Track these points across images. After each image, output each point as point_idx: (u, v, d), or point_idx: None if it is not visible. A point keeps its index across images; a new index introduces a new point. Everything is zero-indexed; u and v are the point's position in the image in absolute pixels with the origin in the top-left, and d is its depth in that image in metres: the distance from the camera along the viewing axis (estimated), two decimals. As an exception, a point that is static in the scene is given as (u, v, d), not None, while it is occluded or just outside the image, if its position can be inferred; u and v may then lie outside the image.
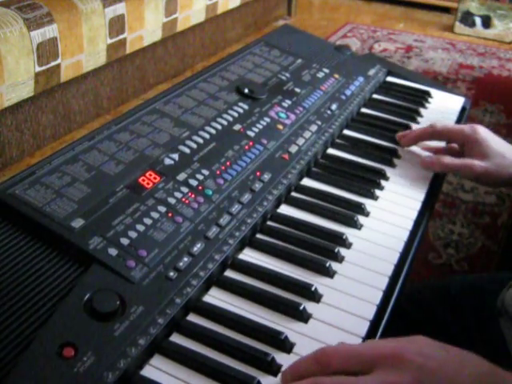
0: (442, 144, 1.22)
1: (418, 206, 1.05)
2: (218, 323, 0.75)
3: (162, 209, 0.83)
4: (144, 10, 1.28)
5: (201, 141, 0.99)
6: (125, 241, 0.77)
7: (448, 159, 1.12)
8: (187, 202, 0.86)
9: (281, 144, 1.06)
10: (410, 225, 0.99)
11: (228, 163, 0.96)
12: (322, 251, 0.89)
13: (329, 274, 0.85)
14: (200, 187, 0.89)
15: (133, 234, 0.78)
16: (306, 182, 1.05)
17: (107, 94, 1.29)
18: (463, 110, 1.44)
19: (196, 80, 1.16)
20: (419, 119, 1.34)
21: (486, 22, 3.00)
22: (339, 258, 0.89)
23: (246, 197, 0.92)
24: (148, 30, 1.30)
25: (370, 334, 0.78)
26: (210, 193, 0.89)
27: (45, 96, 1.16)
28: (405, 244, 0.95)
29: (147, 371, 0.68)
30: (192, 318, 0.75)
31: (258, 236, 0.91)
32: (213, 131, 1.02)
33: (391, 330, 0.81)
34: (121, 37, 1.24)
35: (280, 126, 1.10)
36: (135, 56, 1.33)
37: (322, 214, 0.98)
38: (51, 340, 0.64)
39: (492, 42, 3.09)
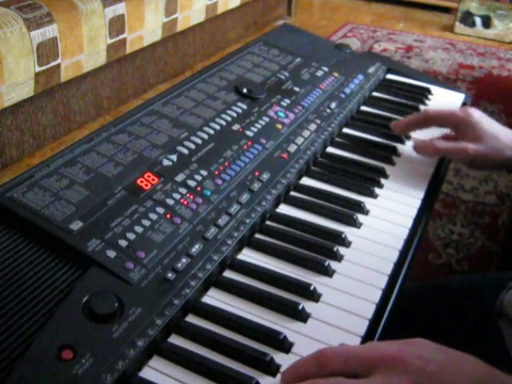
0: (437, 134, 1.21)
1: (417, 204, 1.05)
2: (217, 324, 0.75)
3: (161, 210, 0.83)
4: (144, 9, 1.28)
5: (199, 141, 0.99)
6: (123, 242, 0.77)
7: (441, 143, 1.12)
8: (186, 202, 0.86)
9: (280, 143, 1.06)
10: (409, 223, 0.99)
11: (226, 163, 0.96)
12: (321, 250, 0.89)
13: (328, 273, 0.85)
14: (198, 188, 0.90)
15: (131, 236, 0.78)
16: (305, 181, 1.05)
17: (107, 93, 1.29)
18: (464, 106, 1.44)
19: (195, 80, 1.16)
20: (419, 116, 1.34)
21: (486, 22, 2.99)
22: (338, 257, 0.89)
23: (245, 197, 0.92)
24: (148, 29, 1.30)
25: (370, 333, 0.78)
26: (209, 193, 0.89)
27: (45, 96, 1.16)
28: (404, 242, 0.95)
29: (146, 373, 0.68)
30: (190, 319, 0.75)
31: (257, 236, 0.91)
32: (211, 131, 1.02)
33: (390, 329, 0.81)
34: (121, 37, 1.24)
35: (279, 126, 1.10)
36: (135, 56, 1.33)
37: (322, 213, 0.98)
38: (50, 342, 0.64)
39: (492, 41, 3.08)
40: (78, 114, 1.24)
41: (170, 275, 0.76)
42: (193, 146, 0.97)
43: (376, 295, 0.83)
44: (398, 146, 1.20)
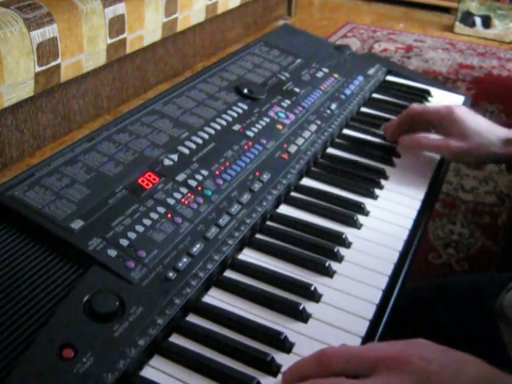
0: None
1: (417, 205, 1.05)
2: (218, 323, 0.75)
3: (162, 209, 0.83)
4: (144, 10, 1.28)
5: (200, 141, 0.99)
6: (124, 242, 0.77)
7: (425, 139, 1.13)
8: (186, 202, 0.86)
9: (280, 144, 1.06)
10: (409, 224, 0.99)
11: (227, 163, 0.96)
12: (321, 251, 0.89)
13: (328, 273, 0.85)
14: (199, 188, 0.90)
15: (132, 235, 0.78)
16: (306, 181, 1.05)
17: (107, 93, 1.29)
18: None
19: (195, 80, 1.16)
20: (419, 118, 1.34)
21: (486, 22, 3.00)
22: (339, 258, 0.89)
23: (246, 197, 0.92)
24: (148, 29, 1.30)
25: (370, 333, 0.78)
26: (210, 193, 0.89)
27: (45, 96, 1.16)
28: (405, 243, 0.95)
29: (147, 372, 0.68)
30: (191, 318, 0.75)
31: (258, 236, 0.91)
32: (212, 131, 1.02)
33: (391, 329, 0.81)
34: (121, 37, 1.24)
35: (279, 126, 1.10)
36: (135, 56, 1.33)
37: (322, 213, 0.98)
38: (51, 341, 0.64)
39: (492, 42, 3.09)
40: (77, 114, 1.24)
41: (170, 275, 0.76)
42: (194, 146, 0.97)
43: (376, 296, 0.83)
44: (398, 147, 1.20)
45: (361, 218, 0.98)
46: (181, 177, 0.90)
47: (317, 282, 0.83)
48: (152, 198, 0.85)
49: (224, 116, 1.07)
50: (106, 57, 1.23)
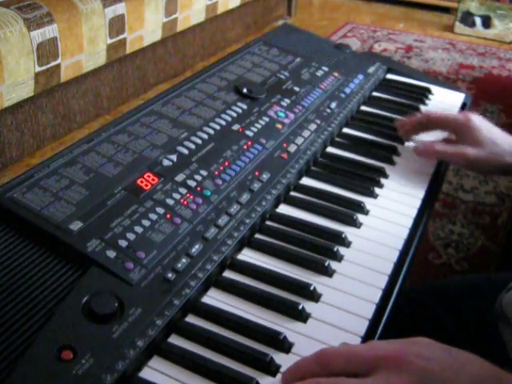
0: (439, 138, 1.22)
1: (417, 203, 1.04)
2: (217, 324, 0.75)
3: (161, 210, 0.83)
4: (144, 10, 1.28)
5: (199, 141, 0.99)
6: (123, 243, 0.77)
7: (440, 146, 1.13)
8: (186, 203, 0.86)
9: (280, 143, 1.06)
10: (409, 223, 0.99)
11: (226, 163, 0.96)
12: (321, 250, 0.89)
13: (328, 273, 0.85)
14: (198, 188, 0.90)
15: (131, 236, 0.78)
16: (305, 181, 1.05)
17: (107, 93, 1.29)
18: (464, 106, 1.44)
19: (194, 80, 1.15)
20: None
21: (486, 22, 3.00)
22: (338, 257, 0.89)
23: (245, 197, 0.92)
24: (148, 29, 1.30)
25: (370, 333, 0.78)
26: (209, 193, 0.89)
27: (45, 96, 1.16)
28: (404, 242, 0.95)
29: (146, 373, 0.68)
30: (190, 319, 0.75)
31: (257, 236, 0.91)
32: (211, 131, 1.02)
33: (390, 329, 0.81)
34: (121, 37, 1.24)
35: (279, 126, 1.10)
36: (135, 56, 1.33)
37: (322, 213, 0.98)
38: (50, 343, 0.64)
39: (492, 42, 3.09)
40: (77, 114, 1.24)
41: (170, 275, 0.76)
42: (193, 146, 0.97)
43: (376, 295, 0.83)
44: (398, 145, 1.20)
45: (361, 217, 0.98)
46: (180, 177, 0.90)
47: (316, 281, 0.83)
48: (151, 198, 0.85)
49: (223, 116, 1.07)
50: (106, 57, 1.23)
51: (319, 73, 1.32)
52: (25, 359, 0.62)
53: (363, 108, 1.34)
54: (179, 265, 0.77)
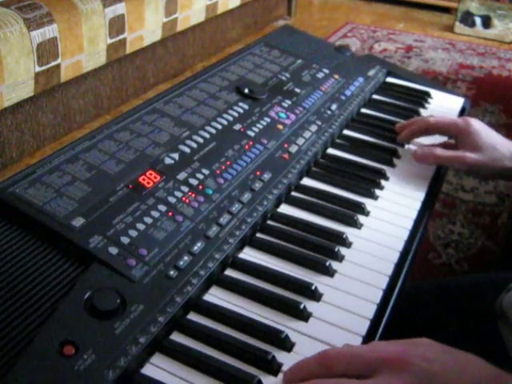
0: (438, 141, 1.22)
1: (417, 205, 1.05)
2: (219, 322, 0.75)
3: (163, 208, 0.83)
4: (144, 10, 1.28)
5: (201, 140, 0.99)
6: (125, 239, 0.77)
7: (440, 151, 1.13)
8: (187, 201, 0.86)
9: (281, 144, 1.06)
10: (410, 224, 0.99)
11: (228, 163, 0.96)
12: (322, 250, 0.89)
13: (329, 273, 0.85)
14: (200, 186, 0.89)
15: (133, 233, 0.78)
16: (306, 181, 1.05)
17: (107, 93, 1.29)
18: (463, 110, 1.44)
19: (196, 80, 1.16)
20: (419, 120, 1.34)
21: (486, 22, 3.01)
22: (339, 257, 0.89)
23: (246, 196, 0.92)
24: (148, 29, 1.30)
25: (371, 333, 0.78)
26: (211, 192, 0.89)
27: (45, 96, 1.16)
28: (405, 243, 0.95)
29: (148, 369, 0.68)
30: (192, 316, 0.75)
31: (258, 235, 0.91)
32: (213, 131, 1.02)
33: (391, 329, 0.81)
34: (121, 37, 1.24)
35: (280, 126, 1.10)
36: (135, 56, 1.33)
37: (322, 213, 0.98)
38: (52, 338, 0.64)
39: (492, 41, 3.09)
40: (78, 114, 1.24)
41: (171, 273, 0.75)
42: (195, 145, 0.97)
43: (377, 295, 0.83)
44: (398, 148, 1.20)
45: (361, 218, 0.98)
46: (182, 175, 0.90)
47: (317, 281, 0.83)
48: (153, 196, 0.85)
49: (225, 115, 1.07)
50: (106, 57, 1.22)
51: (320, 75, 1.32)
52: (27, 354, 0.62)
53: (363, 110, 1.34)
54: (181, 262, 0.77)
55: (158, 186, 0.87)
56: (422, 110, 1.38)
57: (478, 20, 3.00)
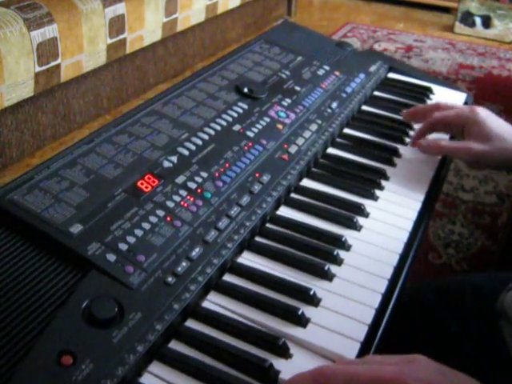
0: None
1: (418, 206, 1.04)
2: (216, 329, 0.75)
3: (161, 213, 0.83)
4: (144, 10, 1.27)
5: (200, 142, 0.99)
6: (123, 246, 0.77)
7: (445, 142, 1.13)
8: (186, 205, 0.86)
9: (280, 144, 1.05)
10: (409, 226, 0.99)
11: (227, 165, 0.96)
12: (321, 254, 0.88)
13: (328, 277, 0.85)
14: (199, 190, 0.89)
15: (131, 239, 0.78)
16: (306, 182, 1.05)
17: (107, 93, 1.29)
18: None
19: (195, 80, 1.15)
20: (420, 116, 1.34)
21: (486, 22, 3.00)
22: (338, 261, 0.88)
23: (245, 199, 0.91)
24: (148, 29, 1.30)
25: (369, 338, 0.77)
26: (209, 195, 0.89)
27: (45, 96, 1.16)
28: (405, 245, 0.94)
29: (146, 378, 0.68)
30: (190, 323, 0.75)
31: (257, 239, 0.91)
32: (212, 132, 1.02)
33: (391, 329, 0.81)
34: (121, 37, 1.24)
35: (280, 126, 1.09)
36: (135, 56, 1.33)
37: (322, 215, 0.97)
38: (49, 348, 0.64)
39: (492, 41, 3.09)
40: (78, 114, 1.24)
41: (170, 279, 0.75)
42: (193, 147, 0.97)
43: (375, 300, 0.83)
44: (399, 147, 1.20)
45: (361, 220, 0.97)
46: (180, 179, 0.90)
47: (316, 285, 0.83)
48: (151, 201, 0.84)
49: (224, 116, 1.07)
50: (106, 57, 1.22)
51: (320, 72, 1.32)
52: (24, 364, 0.62)
53: (364, 108, 1.34)
54: (179, 268, 0.77)
55: (156, 190, 0.86)
56: (423, 107, 1.37)
57: (477, 20, 2.99)
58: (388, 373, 0.63)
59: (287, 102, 1.17)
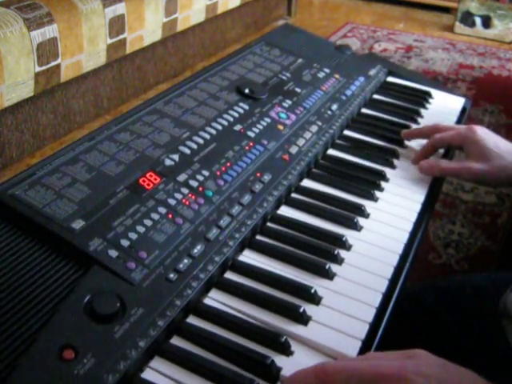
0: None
1: (417, 207, 1.04)
2: (218, 325, 0.75)
3: (163, 210, 0.83)
4: (144, 10, 1.27)
5: (201, 141, 0.99)
6: (125, 242, 0.77)
7: (445, 163, 1.12)
8: (187, 203, 0.86)
9: (281, 144, 1.06)
10: (409, 226, 0.99)
11: (228, 164, 0.96)
12: (321, 253, 0.89)
13: (328, 276, 0.85)
14: (200, 188, 0.89)
15: (133, 236, 0.78)
16: (306, 183, 1.05)
17: (107, 93, 1.29)
18: (463, 110, 1.44)
19: (196, 80, 1.15)
20: (419, 120, 1.34)
21: (486, 22, 3.01)
22: (339, 260, 0.88)
23: (246, 198, 0.92)
24: (148, 29, 1.30)
25: (370, 337, 0.78)
26: (211, 194, 0.89)
27: (45, 96, 1.15)
28: (405, 246, 0.95)
29: (147, 374, 0.68)
30: (192, 320, 0.75)
31: (258, 237, 0.91)
32: (213, 131, 1.02)
33: (391, 329, 0.81)
34: (121, 37, 1.24)
35: (280, 127, 1.09)
36: (135, 56, 1.32)
37: (322, 215, 0.97)
38: (51, 342, 0.64)
39: (492, 42, 3.10)
40: (78, 114, 1.23)
41: (171, 276, 0.75)
42: (195, 146, 0.97)
43: (376, 299, 0.83)
44: (399, 149, 1.20)
45: (361, 221, 0.98)
46: (182, 177, 0.90)
47: (317, 284, 0.83)
48: (153, 198, 0.84)
49: (225, 116, 1.07)
50: (106, 57, 1.22)
51: (320, 74, 1.32)
52: (26, 358, 0.62)
53: (364, 110, 1.34)
54: (181, 265, 0.77)
55: (158, 187, 0.86)
56: (422, 110, 1.38)
57: (477, 20, 3.00)
58: (389, 368, 0.63)
59: (288, 103, 1.17)
